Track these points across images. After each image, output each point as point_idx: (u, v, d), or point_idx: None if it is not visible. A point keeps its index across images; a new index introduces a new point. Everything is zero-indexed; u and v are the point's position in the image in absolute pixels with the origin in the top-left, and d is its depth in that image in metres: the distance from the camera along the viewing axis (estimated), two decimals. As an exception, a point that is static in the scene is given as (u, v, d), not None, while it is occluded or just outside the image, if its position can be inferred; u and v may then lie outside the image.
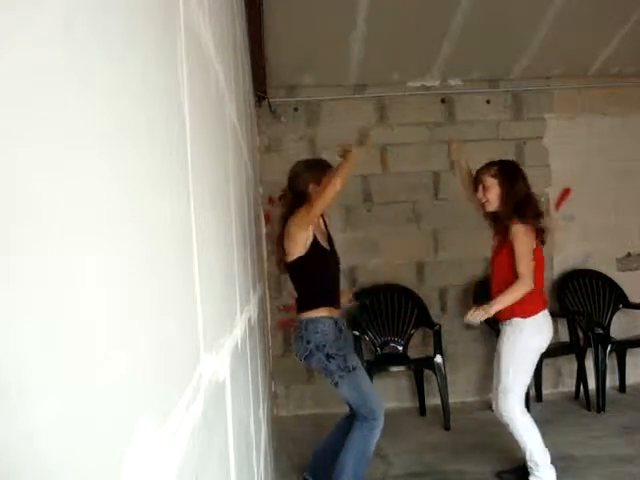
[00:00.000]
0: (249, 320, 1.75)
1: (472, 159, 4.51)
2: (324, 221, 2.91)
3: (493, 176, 2.91)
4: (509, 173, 2.92)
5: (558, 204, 4.58)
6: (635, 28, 3.89)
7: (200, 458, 0.67)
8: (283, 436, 3.77)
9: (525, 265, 2.82)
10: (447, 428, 3.85)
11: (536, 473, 2.91)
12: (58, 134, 0.34)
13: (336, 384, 2.71)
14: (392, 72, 4.29)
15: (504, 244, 2.90)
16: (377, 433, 2.72)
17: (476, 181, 3.02)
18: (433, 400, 4.13)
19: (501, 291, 2.87)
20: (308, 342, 2.69)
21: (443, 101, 4.49)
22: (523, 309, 2.86)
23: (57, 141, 0.33)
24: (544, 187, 4.56)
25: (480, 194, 2.96)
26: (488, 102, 4.52)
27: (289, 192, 2.82)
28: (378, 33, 3.73)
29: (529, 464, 2.92)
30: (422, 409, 4.20)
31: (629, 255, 4.65)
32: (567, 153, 4.53)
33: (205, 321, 0.78)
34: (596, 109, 4.54)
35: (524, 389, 2.95)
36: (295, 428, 4.02)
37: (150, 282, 0.51)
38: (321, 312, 2.73)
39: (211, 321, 0.85)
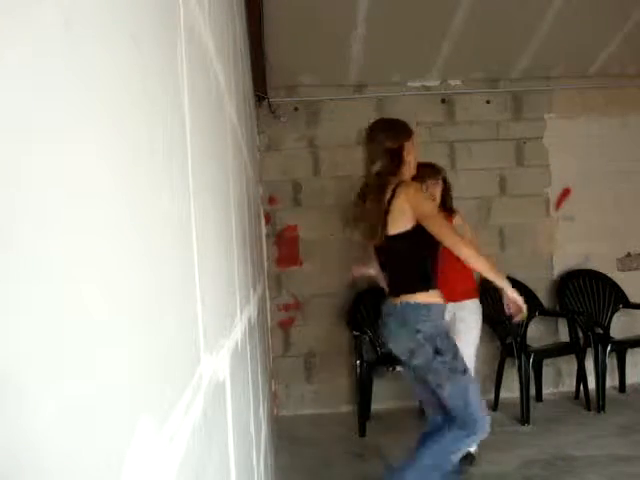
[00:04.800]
0: (249, 320, 1.75)
1: (472, 159, 4.53)
2: None
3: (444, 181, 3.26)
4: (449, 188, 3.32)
5: (558, 204, 4.58)
6: (635, 28, 3.90)
7: (200, 458, 0.67)
8: (283, 436, 3.77)
9: None
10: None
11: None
12: (58, 134, 0.34)
13: (439, 386, 2.30)
14: (392, 72, 4.29)
15: None
16: (470, 444, 2.38)
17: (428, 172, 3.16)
18: (433, 400, 4.13)
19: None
20: (418, 331, 2.26)
21: (443, 101, 4.49)
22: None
23: (57, 141, 0.33)
24: (544, 187, 4.56)
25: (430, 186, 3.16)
26: (488, 102, 4.52)
27: (386, 156, 2.39)
28: (378, 33, 3.73)
29: None
30: (422, 409, 4.20)
31: (629, 255, 4.65)
32: (567, 153, 4.54)
33: (205, 321, 0.78)
34: (596, 109, 4.54)
35: None
36: (295, 428, 4.02)
37: (150, 282, 0.51)
38: (433, 297, 2.33)
39: (211, 321, 0.85)
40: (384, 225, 2.33)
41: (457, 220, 3.28)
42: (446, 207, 3.21)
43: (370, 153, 2.48)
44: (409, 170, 2.44)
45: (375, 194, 2.38)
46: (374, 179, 2.42)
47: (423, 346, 2.26)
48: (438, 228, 2.27)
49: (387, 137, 2.42)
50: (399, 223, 2.31)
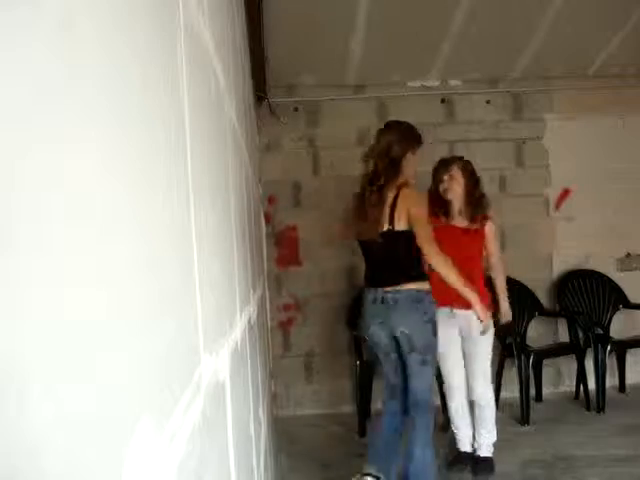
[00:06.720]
0: (249, 320, 1.75)
1: (472, 159, 4.53)
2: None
3: (460, 169, 3.24)
4: (473, 171, 3.28)
5: (558, 204, 4.58)
6: (635, 28, 3.90)
7: (200, 458, 0.67)
8: (283, 436, 3.77)
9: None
10: (447, 429, 3.85)
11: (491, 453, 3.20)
12: (57, 134, 0.34)
13: (424, 362, 2.64)
14: (392, 72, 4.29)
15: (477, 233, 3.20)
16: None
17: (440, 170, 3.28)
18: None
19: (470, 275, 2.95)
20: (425, 313, 2.61)
21: (443, 101, 4.49)
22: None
23: (56, 142, 0.33)
24: (544, 187, 4.56)
25: (446, 182, 3.23)
26: (488, 102, 4.52)
27: (385, 157, 2.68)
28: (378, 33, 3.73)
29: (493, 443, 3.20)
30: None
31: (629, 255, 4.65)
32: (567, 153, 4.54)
33: (205, 321, 0.78)
34: (596, 109, 4.54)
35: None
36: (295, 428, 4.02)
37: (150, 282, 0.51)
38: (428, 285, 2.66)
39: (211, 321, 0.85)
40: (390, 221, 2.64)
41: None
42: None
43: (372, 152, 2.77)
44: (404, 179, 2.71)
45: (377, 195, 2.68)
46: (376, 179, 2.71)
47: (427, 326, 2.61)
48: (423, 232, 2.61)
49: (393, 143, 2.69)
50: (402, 221, 2.63)
